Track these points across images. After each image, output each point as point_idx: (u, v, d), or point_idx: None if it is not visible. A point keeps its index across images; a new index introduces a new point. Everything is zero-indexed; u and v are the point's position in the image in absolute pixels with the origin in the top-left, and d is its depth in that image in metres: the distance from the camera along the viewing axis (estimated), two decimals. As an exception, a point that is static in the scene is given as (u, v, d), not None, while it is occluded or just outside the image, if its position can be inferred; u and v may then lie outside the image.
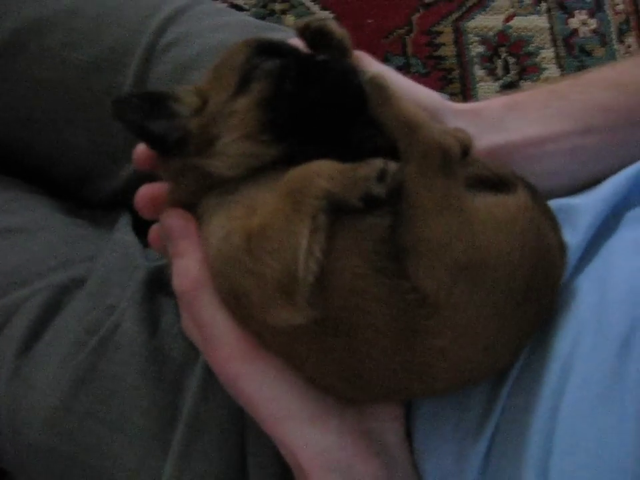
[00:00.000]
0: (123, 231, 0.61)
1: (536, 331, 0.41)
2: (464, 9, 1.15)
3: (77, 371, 0.53)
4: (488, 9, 1.15)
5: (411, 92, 0.47)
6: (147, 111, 0.41)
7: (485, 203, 0.38)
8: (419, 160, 0.38)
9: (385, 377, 0.39)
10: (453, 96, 1.10)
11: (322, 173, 0.37)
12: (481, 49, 1.14)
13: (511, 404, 0.41)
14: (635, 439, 0.34)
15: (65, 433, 0.53)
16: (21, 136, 0.66)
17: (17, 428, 0.54)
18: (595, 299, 0.40)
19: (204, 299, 0.41)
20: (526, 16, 1.16)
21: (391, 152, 0.39)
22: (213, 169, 0.41)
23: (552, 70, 1.13)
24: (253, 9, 1.12)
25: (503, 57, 1.13)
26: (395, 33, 1.13)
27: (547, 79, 1.13)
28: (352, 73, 0.41)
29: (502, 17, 1.15)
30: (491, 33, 1.15)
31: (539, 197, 0.41)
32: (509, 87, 1.12)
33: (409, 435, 0.44)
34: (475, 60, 1.13)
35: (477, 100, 1.11)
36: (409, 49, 1.13)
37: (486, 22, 1.15)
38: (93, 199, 0.68)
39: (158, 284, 0.57)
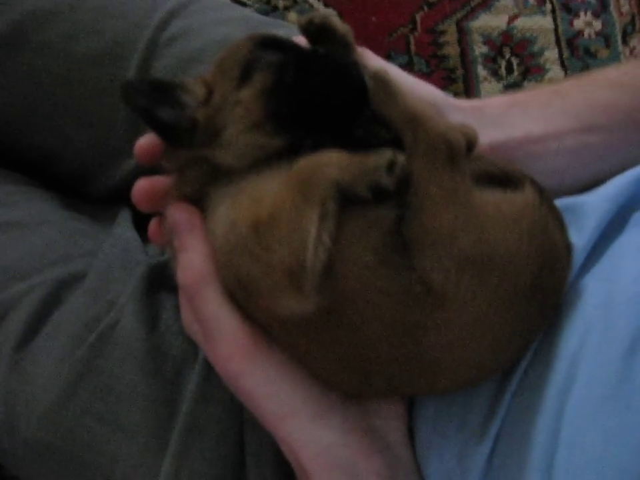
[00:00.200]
0: (123, 227, 0.61)
1: (541, 330, 0.40)
2: (468, 8, 1.15)
3: (76, 366, 0.53)
4: (492, 8, 1.15)
5: (413, 88, 0.46)
6: (156, 97, 0.41)
7: (493, 198, 0.38)
8: (426, 153, 0.38)
9: (389, 372, 0.39)
10: (456, 96, 1.09)
11: (331, 162, 0.38)
12: (484, 48, 1.13)
13: (516, 404, 0.41)
14: None
15: (63, 429, 0.52)
16: (21, 129, 0.66)
17: (14, 423, 0.54)
18: (602, 300, 0.39)
19: (207, 294, 0.40)
20: (530, 16, 1.15)
21: (395, 147, 0.39)
22: (221, 160, 0.41)
23: (555, 71, 1.13)
24: (256, 5, 1.12)
25: (506, 57, 1.13)
26: (398, 31, 1.13)
27: (550, 80, 1.13)
28: (352, 66, 0.41)
29: (506, 17, 1.15)
30: (494, 33, 1.14)
31: (546, 196, 0.41)
32: (512, 87, 1.12)
33: (411, 435, 0.44)
34: (479, 60, 1.13)
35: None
36: (413, 48, 1.12)
37: (490, 22, 1.15)
38: (93, 193, 0.67)
39: (158, 280, 0.57)
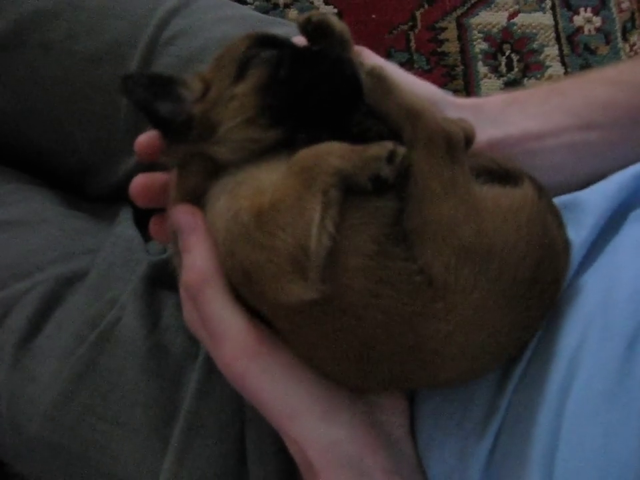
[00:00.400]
0: (125, 225, 0.61)
1: (539, 326, 0.41)
2: (468, 5, 1.14)
3: (77, 364, 0.53)
4: (492, 5, 1.15)
5: (412, 86, 0.47)
6: (155, 91, 0.42)
7: (492, 192, 0.39)
8: (425, 145, 0.38)
9: (392, 363, 0.39)
10: (456, 93, 1.09)
11: (332, 151, 0.38)
12: (484, 45, 1.13)
13: (517, 400, 0.41)
14: None
15: (65, 427, 0.53)
16: (22, 128, 0.66)
17: (17, 421, 0.54)
18: (601, 297, 0.40)
19: (211, 294, 0.40)
20: (530, 13, 1.15)
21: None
22: (217, 154, 0.41)
23: (555, 67, 1.13)
24: (257, 2, 1.12)
25: (506, 54, 1.13)
26: (398, 29, 1.13)
27: (550, 77, 1.12)
28: (346, 62, 0.42)
29: (506, 14, 1.15)
30: (494, 30, 1.14)
31: (544, 193, 0.41)
32: (513, 84, 1.12)
33: (412, 431, 0.44)
34: (479, 57, 1.13)
35: (480, 97, 1.10)
36: (413, 45, 1.12)
37: (490, 18, 1.15)
38: (93, 192, 0.68)
39: (159, 278, 0.57)
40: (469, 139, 0.41)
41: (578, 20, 1.15)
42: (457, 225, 0.37)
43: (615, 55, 1.14)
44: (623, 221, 0.43)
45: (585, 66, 1.13)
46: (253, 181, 0.40)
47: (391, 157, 0.38)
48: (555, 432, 0.37)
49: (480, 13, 1.15)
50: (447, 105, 0.48)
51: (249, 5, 1.11)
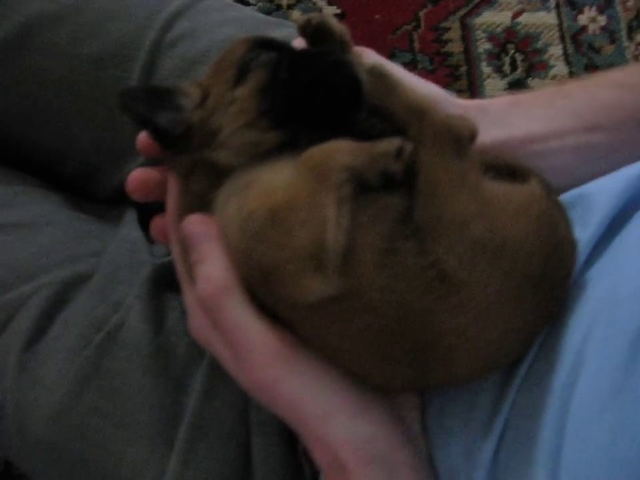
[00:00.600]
0: (129, 227, 0.61)
1: (547, 323, 0.41)
2: (471, 5, 1.14)
3: (82, 367, 0.53)
4: (496, 5, 1.15)
5: (415, 87, 0.46)
6: (153, 103, 0.42)
7: (501, 188, 0.39)
8: (432, 141, 0.39)
9: (412, 360, 0.39)
10: (460, 93, 1.09)
11: (341, 149, 0.38)
12: (488, 45, 1.13)
13: (521, 399, 0.41)
14: None
15: (70, 429, 0.53)
16: (27, 130, 0.66)
17: (23, 422, 0.54)
18: (606, 294, 0.39)
19: (230, 304, 0.40)
20: (534, 12, 1.15)
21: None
22: (219, 159, 0.41)
23: (560, 67, 1.13)
24: (260, 4, 1.12)
25: (510, 53, 1.13)
26: (402, 29, 1.13)
27: (554, 77, 1.12)
28: (344, 63, 0.42)
29: (510, 13, 1.15)
30: (498, 30, 1.14)
31: (552, 190, 0.41)
32: (517, 84, 1.12)
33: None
34: (483, 57, 1.13)
35: (484, 97, 1.10)
36: (416, 45, 1.12)
37: (494, 18, 1.14)
38: (98, 194, 0.68)
39: (164, 280, 0.57)
40: (471, 137, 0.41)
41: (582, 19, 1.15)
42: (470, 220, 0.37)
43: (619, 54, 1.13)
44: (629, 219, 0.43)
45: (590, 65, 1.13)
46: (261, 182, 0.40)
47: (399, 152, 0.38)
48: (561, 430, 0.37)
49: (483, 13, 1.15)
50: (450, 105, 0.48)
51: (251, 6, 1.11)
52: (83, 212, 0.65)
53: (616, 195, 0.43)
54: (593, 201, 0.44)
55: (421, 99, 0.40)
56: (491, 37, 1.14)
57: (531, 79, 1.12)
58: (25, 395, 0.54)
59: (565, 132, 0.49)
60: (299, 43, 0.46)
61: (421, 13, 1.14)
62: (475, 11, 1.14)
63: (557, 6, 1.15)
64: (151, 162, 0.49)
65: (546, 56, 1.13)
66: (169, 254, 0.60)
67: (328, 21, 0.43)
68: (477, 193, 0.38)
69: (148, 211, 0.55)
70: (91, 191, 0.68)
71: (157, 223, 0.48)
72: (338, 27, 0.43)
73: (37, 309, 0.56)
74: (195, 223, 0.41)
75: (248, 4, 1.11)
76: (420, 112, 0.39)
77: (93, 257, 0.59)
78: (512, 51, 1.13)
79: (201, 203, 0.42)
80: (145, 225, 0.62)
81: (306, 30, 0.44)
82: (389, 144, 0.38)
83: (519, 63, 1.12)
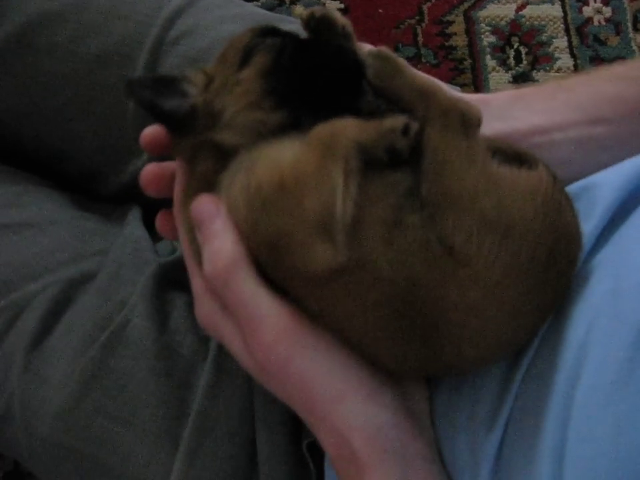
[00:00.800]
0: (134, 226, 0.61)
1: (552, 312, 0.41)
2: (476, -3, 1.14)
3: (87, 366, 0.53)
4: (500, -3, 1.14)
5: None
6: (159, 90, 0.42)
7: (508, 171, 0.39)
8: (440, 121, 0.39)
9: (422, 338, 0.39)
10: (464, 87, 1.09)
11: (349, 124, 0.39)
12: (492, 38, 1.12)
13: (524, 392, 0.41)
14: None
15: (76, 428, 0.53)
16: (30, 129, 0.66)
17: (30, 422, 0.55)
18: (610, 286, 0.39)
19: (241, 278, 0.39)
20: (538, 5, 1.14)
21: None
22: (224, 140, 0.42)
23: (565, 59, 1.12)
24: (263, -1, 1.12)
25: (515, 46, 1.12)
26: (405, 23, 1.12)
27: (559, 69, 1.11)
28: (346, 48, 0.42)
29: (514, 6, 1.14)
30: (502, 22, 1.13)
31: (558, 180, 0.41)
32: (521, 77, 1.11)
33: None
34: (487, 50, 1.12)
35: (489, 91, 1.10)
36: (420, 39, 1.12)
37: (498, 11, 1.14)
38: (102, 193, 0.68)
39: (168, 279, 0.57)
40: (477, 122, 0.42)
41: (587, 11, 1.14)
42: (478, 196, 0.38)
43: (625, 46, 1.13)
44: (633, 211, 0.43)
45: (595, 57, 1.12)
46: (268, 158, 0.40)
47: (405, 129, 0.38)
48: (565, 423, 0.36)
49: (487, 6, 1.14)
50: None
51: (254, 2, 1.11)
52: (86, 211, 0.65)
53: (619, 186, 0.43)
54: (596, 192, 0.44)
55: (427, 81, 0.41)
56: (495, 30, 1.13)
57: (535, 71, 1.11)
58: (31, 394, 0.54)
59: (567, 124, 0.49)
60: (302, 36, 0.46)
61: (425, 7, 1.13)
62: (478, 4, 1.14)
63: (562, -2, 1.15)
64: (155, 160, 0.49)
65: (551, 48, 1.12)
66: (173, 252, 0.60)
67: (331, 13, 0.43)
68: (485, 171, 0.39)
69: (152, 209, 0.55)
70: (95, 190, 0.68)
71: (162, 217, 0.48)
72: (341, 19, 0.43)
73: (42, 309, 0.56)
74: (204, 203, 0.41)
75: (251, 0, 1.11)
76: (427, 93, 0.40)
77: (97, 255, 0.60)
78: (516, 44, 1.12)
79: (207, 186, 0.42)
80: (149, 223, 0.62)
81: (309, 23, 0.44)
82: (396, 120, 0.39)
83: (523, 55, 1.12)
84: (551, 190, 0.40)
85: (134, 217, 0.63)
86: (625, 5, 1.15)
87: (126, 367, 0.53)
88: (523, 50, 1.12)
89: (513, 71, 1.11)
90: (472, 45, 1.12)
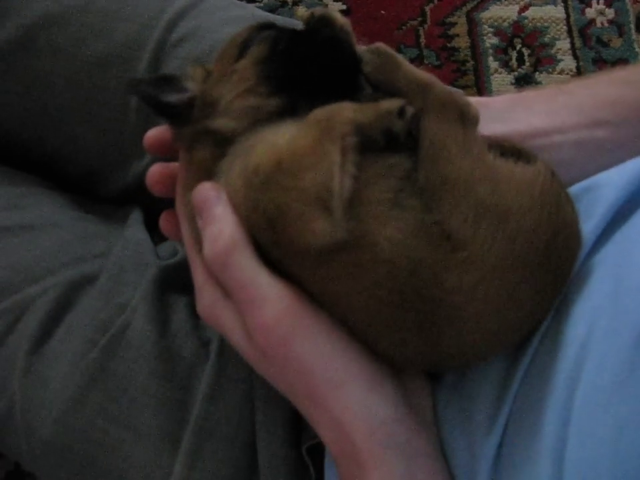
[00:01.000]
0: (135, 228, 0.61)
1: (552, 304, 0.41)
2: (478, -1, 1.14)
3: (88, 369, 0.53)
4: (503, -1, 1.14)
5: None
6: (160, 86, 0.44)
7: (505, 164, 0.40)
8: (437, 112, 0.40)
9: (422, 321, 0.39)
10: (466, 88, 1.09)
11: (346, 106, 0.40)
12: (495, 40, 1.12)
13: (524, 392, 0.40)
14: None
15: (77, 430, 0.53)
16: (32, 131, 0.66)
17: (31, 424, 0.55)
18: (611, 286, 0.39)
19: (241, 259, 0.39)
20: (541, 6, 1.14)
21: None
22: (221, 126, 0.42)
23: (567, 61, 1.12)
24: (265, 0, 1.12)
25: (517, 48, 1.12)
26: (408, 24, 1.12)
27: (562, 71, 1.11)
28: (342, 39, 0.43)
29: (517, 8, 1.14)
30: (505, 24, 1.13)
31: (556, 175, 0.42)
32: (524, 79, 1.11)
33: None
34: (489, 51, 1.12)
35: (491, 92, 1.10)
36: (423, 41, 1.12)
37: (500, 12, 1.13)
38: (104, 194, 0.68)
39: (169, 282, 0.57)
40: (474, 119, 0.42)
41: (590, 12, 1.14)
42: (475, 182, 0.38)
43: (628, 48, 1.12)
44: (634, 211, 0.43)
45: (598, 59, 1.12)
46: (265, 141, 0.41)
47: (401, 111, 0.39)
48: (565, 424, 0.36)
49: (490, 7, 1.14)
50: None
51: (256, 4, 1.11)
52: (87, 213, 0.66)
53: (621, 186, 0.43)
54: (598, 193, 0.44)
55: (425, 74, 0.41)
56: (498, 32, 1.13)
57: (538, 73, 1.11)
58: (32, 397, 0.54)
59: (568, 127, 0.49)
60: None
61: (427, 8, 1.13)
62: (481, 5, 1.13)
63: (565, -1, 1.15)
64: (159, 161, 0.49)
65: (553, 50, 1.12)
66: (174, 255, 0.60)
67: (330, 13, 0.44)
68: (481, 160, 0.39)
69: (153, 211, 0.55)
70: (97, 192, 0.68)
71: (166, 217, 0.49)
72: (340, 19, 0.44)
73: (43, 311, 0.56)
74: (204, 189, 0.41)
75: (253, 1, 1.11)
76: (425, 86, 0.41)
77: (98, 258, 0.60)
78: (519, 46, 1.12)
79: (207, 175, 0.42)
80: (150, 226, 0.62)
81: (309, 22, 0.44)
82: (392, 102, 0.39)
83: (526, 57, 1.12)
84: (549, 183, 0.40)
85: (135, 220, 0.63)
86: (628, 7, 1.14)
87: (127, 369, 0.53)
88: (526, 52, 1.12)
89: (516, 73, 1.11)
90: (474, 46, 1.12)
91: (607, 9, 1.14)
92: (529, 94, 0.52)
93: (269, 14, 0.76)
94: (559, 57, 1.12)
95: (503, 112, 0.49)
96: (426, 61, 1.10)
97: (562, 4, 1.14)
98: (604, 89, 0.50)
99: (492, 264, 0.38)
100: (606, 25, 1.14)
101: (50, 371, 0.54)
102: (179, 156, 0.46)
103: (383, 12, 1.12)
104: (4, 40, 0.63)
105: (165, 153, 0.48)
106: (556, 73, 1.11)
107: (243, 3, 0.75)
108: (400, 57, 0.42)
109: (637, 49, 1.13)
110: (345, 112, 0.39)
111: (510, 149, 0.42)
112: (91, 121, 0.64)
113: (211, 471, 0.51)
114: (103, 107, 0.63)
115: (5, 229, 0.60)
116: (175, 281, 0.57)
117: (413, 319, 0.39)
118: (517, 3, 1.14)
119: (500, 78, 1.11)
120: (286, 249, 0.39)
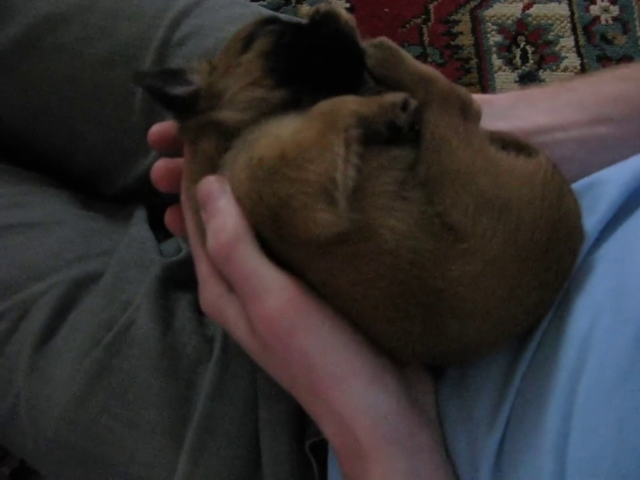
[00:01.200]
0: (139, 226, 0.62)
1: (554, 296, 0.41)
2: (482, -4, 1.13)
3: (92, 366, 0.53)
4: (506, -4, 1.14)
5: None
6: (166, 79, 0.44)
7: (506, 157, 0.40)
8: (439, 104, 0.40)
9: (425, 313, 0.39)
10: (470, 86, 1.09)
11: (350, 99, 0.40)
12: (498, 37, 1.12)
13: (526, 388, 0.40)
14: None
15: (81, 428, 0.53)
16: (36, 130, 0.67)
17: (35, 421, 0.55)
18: (612, 283, 0.39)
19: (245, 251, 0.39)
20: (545, 3, 1.14)
21: None
22: (226, 118, 0.43)
23: (571, 59, 1.11)
24: (269, -1, 1.12)
25: (521, 45, 1.12)
26: (411, 22, 1.12)
27: (566, 69, 1.11)
28: (348, 34, 0.43)
29: (520, 5, 1.13)
30: (509, 21, 1.13)
31: (558, 169, 0.42)
32: (528, 76, 1.10)
33: None
34: (493, 49, 1.12)
35: (495, 90, 1.10)
36: (426, 39, 1.11)
37: (504, 10, 1.13)
38: (108, 193, 0.68)
39: (172, 279, 0.57)
40: (477, 114, 0.43)
41: (594, 9, 1.14)
42: (475, 174, 0.39)
43: (632, 45, 1.12)
44: (637, 208, 0.43)
45: (602, 57, 1.11)
46: (269, 133, 0.41)
47: (404, 104, 0.40)
48: (567, 419, 0.36)
49: (494, 5, 1.13)
50: None
51: (260, 2, 1.11)
52: (92, 211, 0.66)
53: (624, 183, 0.43)
54: (601, 188, 0.44)
55: (428, 68, 0.42)
56: (502, 29, 1.12)
57: (542, 71, 1.11)
58: (37, 394, 0.55)
59: (570, 124, 0.49)
60: None
61: (431, 6, 1.13)
62: (485, 3, 1.13)
63: (569, -4, 1.14)
64: (164, 157, 0.49)
65: (557, 48, 1.12)
66: (177, 252, 0.61)
67: (336, 9, 0.44)
68: (482, 152, 0.40)
69: (157, 210, 0.55)
70: (100, 190, 0.68)
71: (171, 212, 0.49)
72: (345, 15, 0.44)
73: (48, 309, 0.56)
74: (209, 182, 0.41)
75: (256, 0, 1.11)
76: (427, 79, 0.41)
77: (102, 255, 0.60)
78: (523, 43, 1.12)
79: (212, 168, 0.43)
80: (153, 224, 0.62)
81: (314, 17, 0.45)
82: (395, 96, 0.40)
83: (529, 55, 1.11)
84: (550, 176, 0.40)
85: (139, 217, 0.63)
86: (633, 4, 1.14)
87: (130, 367, 0.53)
88: (530, 49, 1.12)
89: (519, 70, 1.11)
90: (478, 44, 1.12)
91: (611, 6, 1.14)
92: (531, 91, 0.52)
93: (273, 12, 0.77)
94: (562, 54, 1.12)
95: (506, 109, 0.49)
96: (430, 59, 1.10)
97: (566, 1, 1.14)
98: (607, 86, 0.50)
99: (493, 255, 0.38)
100: (610, 22, 1.13)
101: (54, 369, 0.54)
102: (183, 151, 0.46)
103: (386, 10, 1.12)
104: (8, 39, 0.63)
105: (169, 149, 0.48)
106: (560, 70, 1.11)
107: (246, 2, 0.75)
108: (403, 51, 0.42)
109: (641, 46, 1.12)
110: (349, 104, 0.39)
111: (511, 143, 0.43)
112: (94, 120, 0.64)
113: (215, 468, 0.51)
114: (107, 106, 0.64)
115: (8, 227, 0.61)
116: (179, 279, 0.57)
117: (416, 310, 0.39)
118: (520, 1, 1.14)
119: (504, 75, 1.11)
120: (289, 241, 0.39)
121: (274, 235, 0.40)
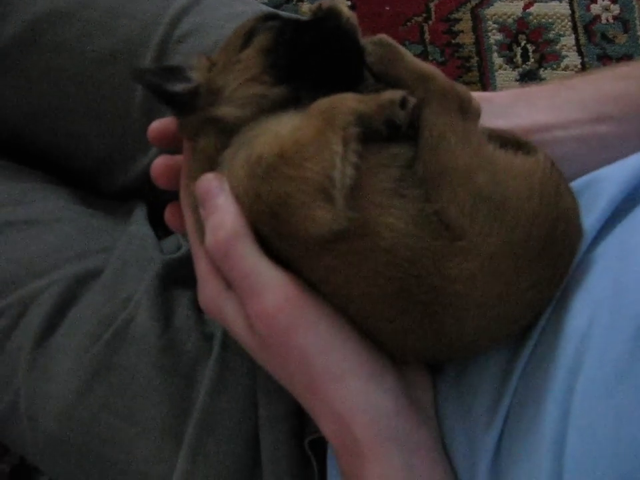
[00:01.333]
0: (139, 223, 0.62)
1: (553, 294, 0.41)
2: (483, -5, 1.13)
3: (92, 363, 0.54)
4: (507, -5, 1.14)
5: None
6: (165, 76, 0.44)
7: (504, 154, 0.41)
8: (438, 102, 0.40)
9: (423, 310, 0.39)
10: (471, 84, 1.09)
11: (348, 97, 0.40)
12: (499, 36, 1.12)
13: (524, 385, 0.41)
14: None
15: (80, 424, 0.53)
16: (37, 127, 0.67)
17: (35, 418, 0.55)
18: (611, 280, 0.39)
19: (243, 248, 0.39)
20: (546, 2, 1.14)
21: None
22: (225, 114, 0.43)
23: (572, 58, 1.11)
24: (270, -3, 1.12)
25: (522, 44, 1.12)
26: (412, 21, 1.12)
27: (567, 67, 1.11)
28: (349, 30, 0.43)
29: (521, 4, 1.13)
30: (510, 20, 1.13)
31: (556, 166, 0.42)
32: (528, 75, 1.10)
33: None
34: (494, 48, 1.12)
35: (495, 88, 1.10)
36: (427, 37, 1.11)
37: (505, 8, 1.13)
38: (108, 190, 0.68)
39: (172, 277, 0.57)
40: (476, 113, 0.43)
41: (595, 8, 1.14)
42: (472, 171, 0.39)
43: (633, 44, 1.12)
44: (636, 206, 0.43)
45: (603, 55, 1.11)
46: (268, 131, 0.41)
47: (403, 102, 0.40)
48: (565, 416, 0.36)
49: (495, 3, 1.13)
50: None
51: (260, 0, 1.11)
52: (92, 208, 0.66)
53: (623, 181, 0.43)
54: (600, 186, 0.44)
55: (428, 66, 0.42)
56: (502, 28, 1.12)
57: (542, 69, 1.11)
58: (36, 390, 0.55)
59: (569, 122, 0.49)
60: None
61: (432, 4, 1.13)
62: (486, 1, 1.13)
63: (570, -5, 1.14)
64: (164, 153, 0.49)
65: (558, 46, 1.12)
66: (177, 250, 0.61)
67: (337, 6, 0.44)
68: (481, 150, 0.40)
69: (157, 207, 0.55)
70: (100, 187, 0.68)
71: (171, 209, 0.49)
72: (347, 12, 0.44)
73: (48, 306, 0.56)
74: (208, 180, 0.41)
75: (257, -3, 1.11)
76: (426, 77, 0.41)
77: (102, 252, 0.60)
78: (523, 42, 1.12)
79: (211, 166, 0.43)
80: (154, 221, 0.62)
81: (316, 14, 0.45)
82: (394, 93, 0.40)
83: (530, 53, 1.11)
84: (548, 173, 0.40)
85: (139, 215, 0.63)
86: (633, 3, 1.14)
87: (130, 363, 0.53)
88: (530, 48, 1.12)
89: (520, 69, 1.11)
90: (479, 42, 1.12)
91: (612, 5, 1.14)
92: (531, 89, 0.52)
93: (274, 11, 0.77)
94: (563, 53, 1.12)
95: (506, 107, 0.49)
96: (430, 57, 1.10)
97: (567, 0, 1.14)
98: (607, 84, 0.50)
99: (490, 252, 0.38)
100: (611, 21, 1.13)
101: (54, 365, 0.54)
102: (182, 147, 0.47)
103: (387, 8, 1.12)
104: (9, 36, 0.63)
105: (169, 145, 0.48)
106: (560, 69, 1.11)
107: (248, -1, 0.75)
108: (402, 49, 0.42)
109: (642, 45, 1.12)
110: (348, 102, 0.39)
111: (510, 140, 0.43)
112: (94, 117, 0.64)
113: (214, 465, 0.51)
114: (107, 103, 0.64)
115: (9, 224, 0.61)
116: (179, 276, 0.57)
117: (414, 307, 0.39)
118: (521, -1, 1.14)
119: (504, 74, 1.11)
120: (288, 239, 0.39)
121: (272, 233, 0.40)
